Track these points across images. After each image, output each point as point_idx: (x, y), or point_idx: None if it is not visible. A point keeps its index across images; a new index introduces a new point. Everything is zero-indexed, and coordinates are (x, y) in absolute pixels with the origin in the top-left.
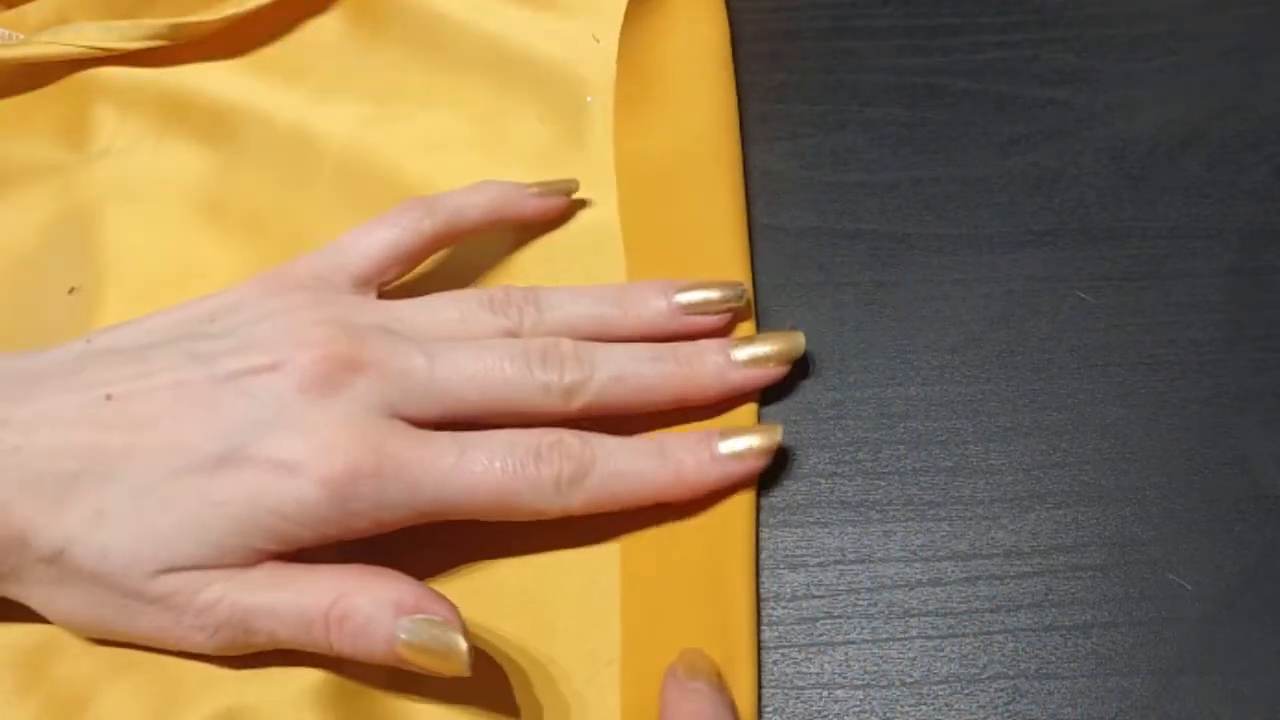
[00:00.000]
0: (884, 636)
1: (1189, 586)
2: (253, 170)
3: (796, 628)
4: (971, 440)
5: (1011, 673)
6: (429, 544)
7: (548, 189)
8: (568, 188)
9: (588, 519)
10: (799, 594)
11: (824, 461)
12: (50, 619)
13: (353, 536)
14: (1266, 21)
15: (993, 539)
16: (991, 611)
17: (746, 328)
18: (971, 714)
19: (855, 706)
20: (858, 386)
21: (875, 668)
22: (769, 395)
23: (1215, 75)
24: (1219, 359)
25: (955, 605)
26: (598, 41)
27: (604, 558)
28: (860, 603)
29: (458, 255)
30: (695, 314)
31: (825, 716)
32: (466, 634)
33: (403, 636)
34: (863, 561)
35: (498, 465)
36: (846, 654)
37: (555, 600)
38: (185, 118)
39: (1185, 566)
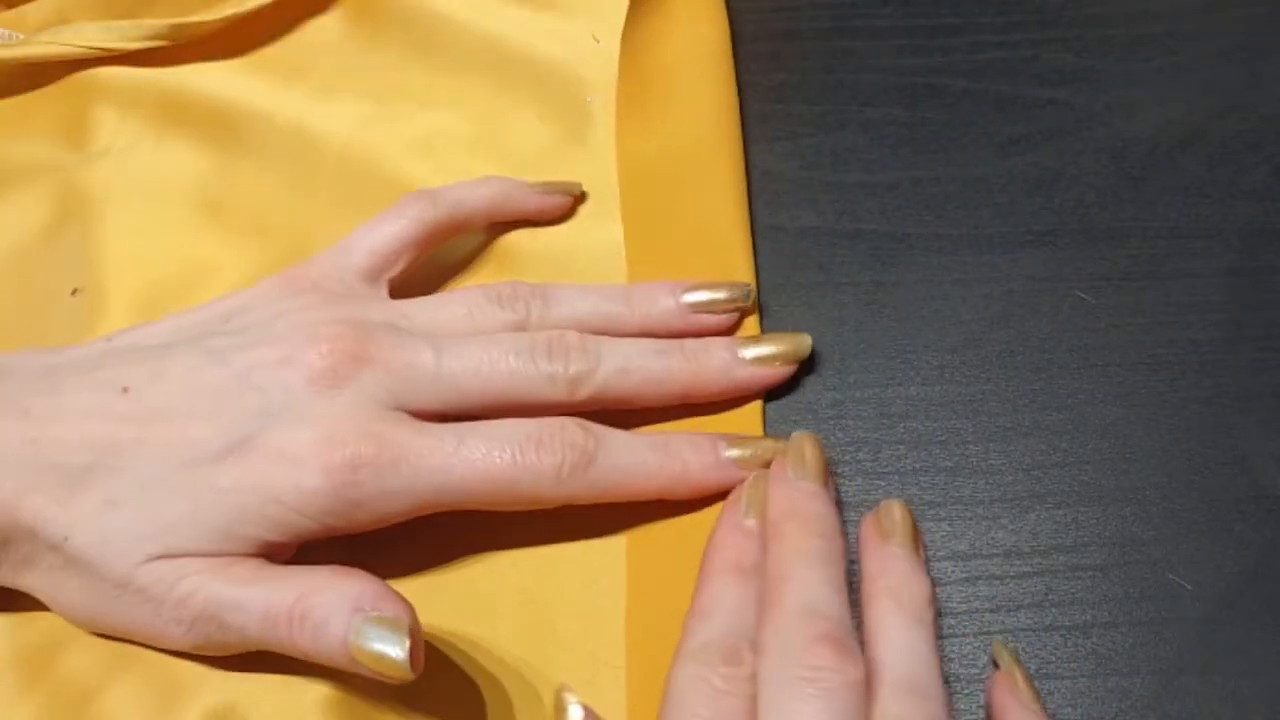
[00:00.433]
0: None
1: (1189, 586)
2: (253, 170)
3: None
4: (971, 440)
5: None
6: (427, 544)
7: (550, 187)
8: (570, 189)
9: (589, 519)
10: None
11: None
12: (56, 611)
13: (357, 529)
14: (1266, 21)
15: (993, 539)
16: (991, 611)
17: (750, 325)
18: (971, 714)
19: None
20: (858, 386)
21: None
22: (769, 394)
23: (1215, 75)
24: (1219, 359)
25: (955, 605)
26: (598, 41)
27: (604, 558)
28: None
29: (459, 257)
30: (702, 313)
31: None
32: (415, 637)
33: (351, 637)
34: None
35: (496, 453)
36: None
37: (555, 600)
38: (185, 118)
39: (1185, 566)
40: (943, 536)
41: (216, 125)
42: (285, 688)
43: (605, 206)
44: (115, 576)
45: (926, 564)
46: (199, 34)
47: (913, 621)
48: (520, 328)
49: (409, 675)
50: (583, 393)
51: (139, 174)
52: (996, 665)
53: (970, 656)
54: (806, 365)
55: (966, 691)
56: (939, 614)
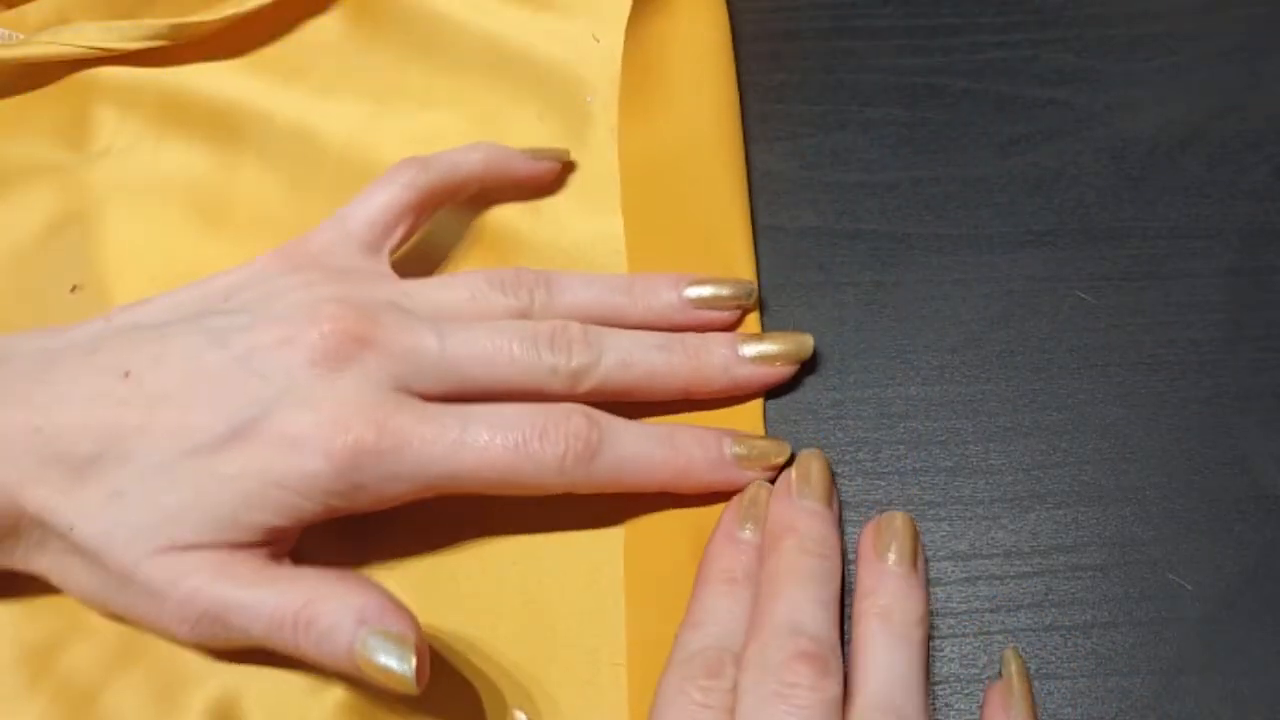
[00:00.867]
0: None
1: (1189, 586)
2: (253, 170)
3: None
4: (971, 440)
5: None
6: (428, 543)
7: (540, 153)
8: (560, 155)
9: (589, 518)
10: None
11: None
12: (69, 594)
13: (359, 510)
14: (1266, 21)
15: (993, 539)
16: (991, 611)
17: (751, 322)
18: (971, 714)
19: None
20: (858, 386)
21: None
22: (769, 394)
23: (1215, 75)
24: (1219, 359)
25: (955, 605)
26: (598, 41)
27: (605, 557)
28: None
29: (459, 251)
30: (704, 309)
31: None
32: (421, 652)
33: (356, 648)
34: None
35: (499, 441)
36: (848, 653)
37: (555, 600)
38: (185, 118)
39: (1185, 566)
40: (943, 536)
41: (216, 125)
42: (288, 683)
43: (606, 204)
44: (119, 569)
45: (925, 577)
46: (199, 34)
47: (899, 641)
48: (523, 315)
49: (414, 690)
50: (584, 386)
51: (139, 174)
52: (993, 665)
53: (970, 656)
54: (807, 365)
55: (966, 691)
56: (931, 630)
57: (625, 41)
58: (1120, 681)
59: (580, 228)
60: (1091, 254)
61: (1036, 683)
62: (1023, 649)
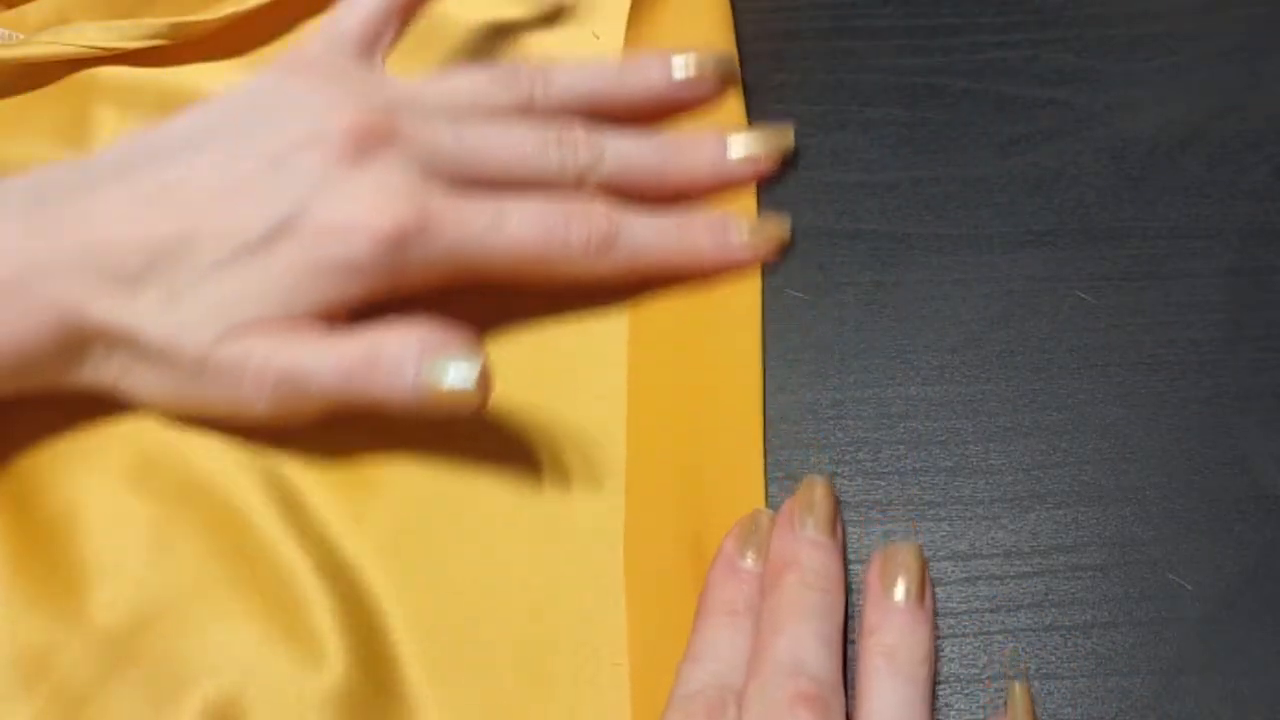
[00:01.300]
0: None
1: (1189, 586)
2: None
3: None
4: (971, 440)
5: (1011, 673)
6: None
7: None
8: None
9: (589, 517)
10: None
11: (824, 461)
12: (135, 401)
13: (402, 293)
14: (1266, 21)
15: (993, 539)
16: (991, 611)
17: (735, 107)
18: (971, 714)
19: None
20: (858, 386)
21: None
22: (769, 393)
23: (1215, 75)
24: (1219, 359)
25: (955, 605)
26: (598, 39)
27: (605, 558)
28: (861, 603)
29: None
30: (690, 88)
31: None
32: (485, 365)
33: (422, 377)
34: (863, 562)
35: (530, 226)
36: (848, 653)
37: (555, 599)
38: None
39: (1185, 566)
40: (943, 536)
41: None
42: (285, 682)
43: None
44: (190, 361)
45: (933, 610)
46: (199, 34)
47: (903, 681)
48: (525, 108)
49: (478, 402)
50: (589, 182)
51: None
52: (993, 665)
53: (970, 656)
54: (807, 365)
55: (966, 691)
56: (936, 671)
57: (625, 39)
58: (1120, 681)
59: None
60: (1091, 254)
61: (1036, 683)
62: (1023, 649)
